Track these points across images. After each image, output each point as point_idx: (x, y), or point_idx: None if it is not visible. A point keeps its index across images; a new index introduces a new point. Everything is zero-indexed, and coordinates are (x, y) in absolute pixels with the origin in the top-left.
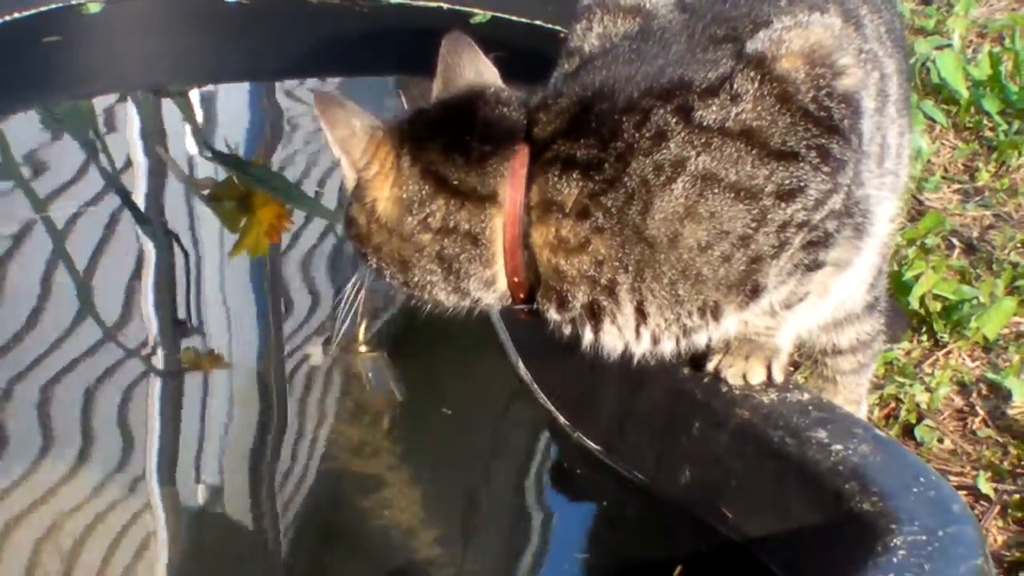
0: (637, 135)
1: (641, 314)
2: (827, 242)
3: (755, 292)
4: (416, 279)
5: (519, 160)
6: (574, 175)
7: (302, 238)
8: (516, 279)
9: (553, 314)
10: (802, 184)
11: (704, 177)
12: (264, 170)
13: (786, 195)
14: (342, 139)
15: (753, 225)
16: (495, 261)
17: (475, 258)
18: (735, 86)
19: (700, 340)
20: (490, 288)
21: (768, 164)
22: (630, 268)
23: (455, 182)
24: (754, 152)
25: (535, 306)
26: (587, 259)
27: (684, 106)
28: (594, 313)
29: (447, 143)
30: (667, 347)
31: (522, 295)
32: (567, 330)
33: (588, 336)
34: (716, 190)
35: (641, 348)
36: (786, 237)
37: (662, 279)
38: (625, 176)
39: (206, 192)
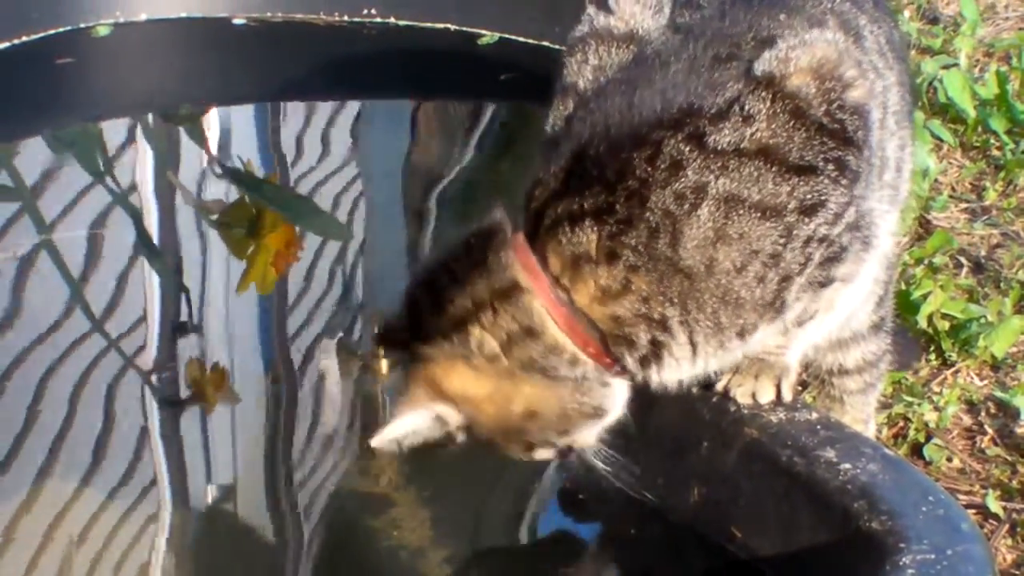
0: (650, 169)
1: (692, 345)
2: (841, 257)
3: (780, 310)
4: (554, 412)
5: (519, 248)
6: (585, 224)
7: (311, 256)
8: (591, 349)
9: (628, 360)
10: (823, 198)
11: (727, 199)
12: (277, 188)
13: (808, 210)
14: (422, 405)
15: (781, 242)
16: (563, 343)
17: (547, 351)
18: (747, 107)
19: (733, 360)
20: (579, 367)
21: (789, 180)
22: (675, 301)
23: (474, 302)
24: (774, 169)
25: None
26: (634, 298)
27: (695, 133)
28: (656, 350)
29: (436, 297)
30: (712, 368)
31: (608, 360)
32: (639, 375)
33: (655, 377)
34: (741, 211)
35: (694, 374)
36: (809, 253)
37: (705, 308)
38: (646, 211)
39: (215, 217)
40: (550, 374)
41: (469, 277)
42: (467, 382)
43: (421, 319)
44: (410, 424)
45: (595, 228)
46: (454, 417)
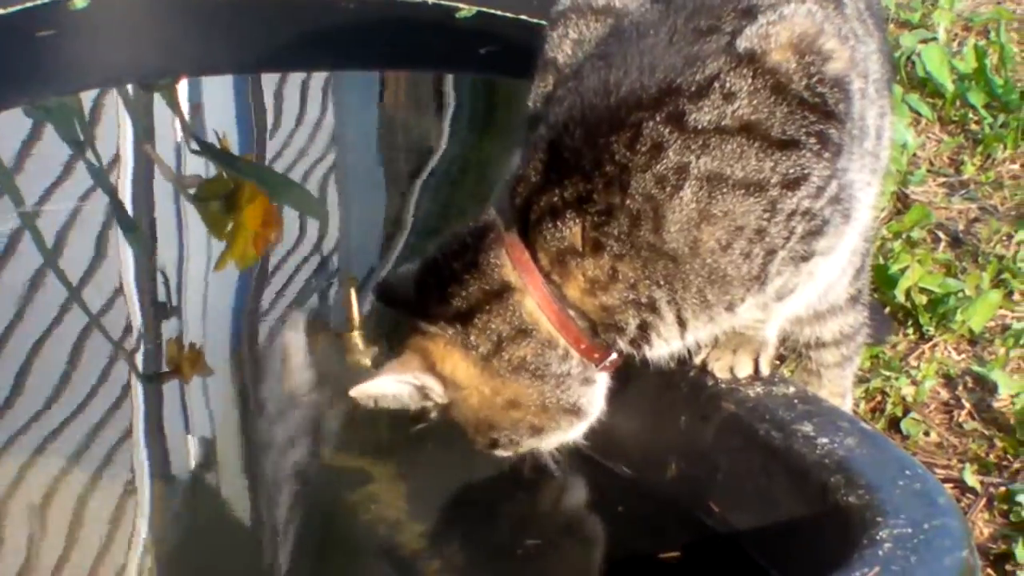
0: (630, 153)
1: (680, 321)
2: (823, 231)
3: (765, 283)
4: (536, 406)
5: (512, 246)
6: (567, 216)
7: (287, 232)
8: (583, 345)
9: (620, 343)
10: (806, 172)
11: (710, 178)
12: (254, 165)
13: (792, 183)
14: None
15: (766, 217)
16: (556, 339)
17: (541, 348)
18: (728, 85)
19: (723, 329)
20: (568, 362)
21: (772, 155)
22: (662, 283)
23: (470, 303)
24: (756, 145)
25: (614, 353)
26: (622, 286)
27: (675, 113)
28: (644, 331)
29: (441, 286)
30: (702, 337)
31: (597, 355)
32: (632, 353)
33: (648, 352)
34: (725, 189)
35: (685, 346)
36: (792, 226)
37: (690, 288)
38: (627, 198)
39: (192, 191)
40: (538, 372)
41: (465, 277)
42: (459, 368)
43: (427, 300)
44: (394, 385)
45: (577, 220)
46: (438, 392)
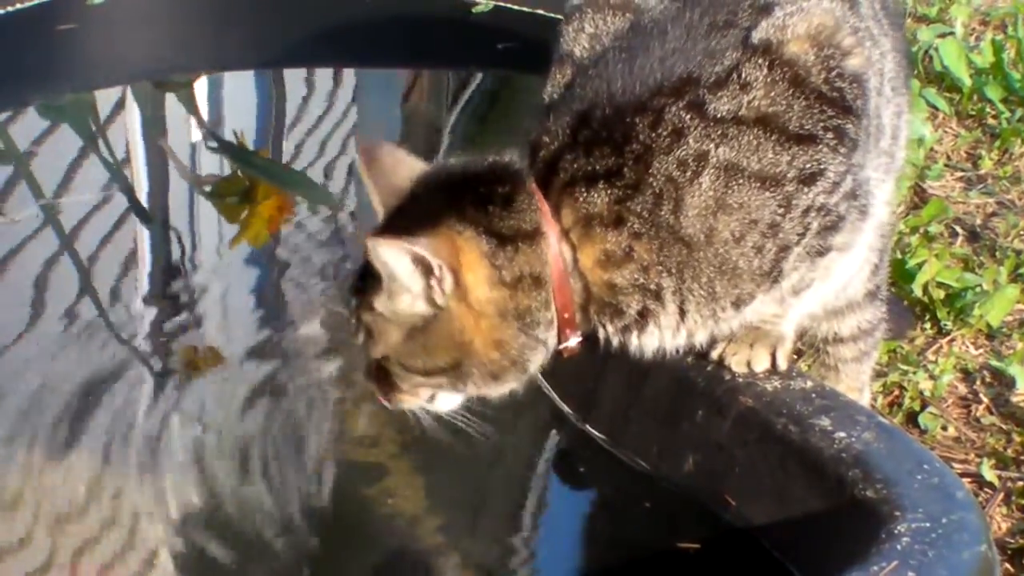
0: (653, 135)
1: (681, 313)
2: (839, 226)
3: (777, 280)
4: (511, 356)
5: (539, 197)
6: (599, 185)
7: (303, 226)
8: (566, 315)
9: (609, 327)
10: (822, 167)
11: (727, 168)
12: (270, 162)
13: (808, 179)
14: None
15: (780, 212)
16: (551, 298)
17: (543, 302)
18: (744, 75)
19: (725, 329)
20: (551, 327)
21: (789, 149)
22: (673, 271)
23: (508, 231)
24: (773, 138)
25: (579, 335)
26: (634, 267)
27: (696, 101)
28: (642, 320)
29: (480, 201)
30: (700, 339)
31: (568, 331)
32: (614, 340)
33: (634, 341)
34: (741, 180)
35: (676, 344)
36: (807, 222)
37: (700, 278)
38: (650, 177)
39: (208, 188)
40: (528, 326)
41: (506, 206)
42: (482, 285)
43: (467, 203)
44: (409, 264)
45: (608, 191)
46: (443, 293)
